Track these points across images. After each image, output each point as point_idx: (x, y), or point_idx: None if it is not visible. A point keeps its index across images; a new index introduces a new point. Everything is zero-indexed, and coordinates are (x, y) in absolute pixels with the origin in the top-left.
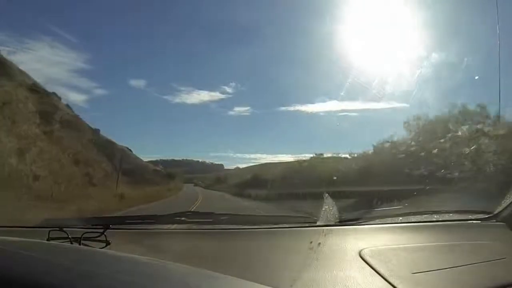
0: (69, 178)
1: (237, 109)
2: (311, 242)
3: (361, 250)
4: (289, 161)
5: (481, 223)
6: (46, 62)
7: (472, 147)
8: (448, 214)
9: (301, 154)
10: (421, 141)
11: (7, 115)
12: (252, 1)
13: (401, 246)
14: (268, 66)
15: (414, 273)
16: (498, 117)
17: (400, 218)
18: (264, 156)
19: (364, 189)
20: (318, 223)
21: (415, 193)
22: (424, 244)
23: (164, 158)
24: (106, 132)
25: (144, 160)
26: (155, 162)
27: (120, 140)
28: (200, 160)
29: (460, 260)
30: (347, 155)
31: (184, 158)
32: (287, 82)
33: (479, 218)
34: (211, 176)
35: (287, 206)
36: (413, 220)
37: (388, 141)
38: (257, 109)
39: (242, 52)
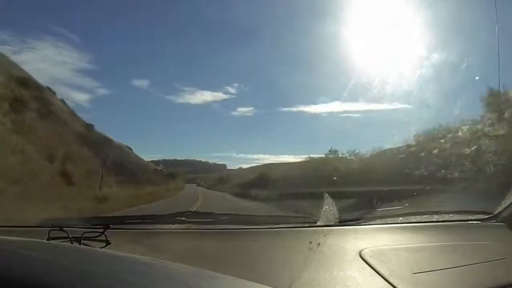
0: (35, 175)
1: (240, 109)
2: (310, 242)
3: (361, 250)
4: (292, 161)
5: (481, 223)
6: (49, 62)
7: (472, 148)
8: (448, 215)
9: (303, 154)
10: (421, 141)
11: None
12: (256, 2)
13: (401, 246)
14: (271, 66)
15: (414, 273)
16: (498, 117)
17: (401, 218)
18: (267, 156)
19: (364, 189)
20: (318, 223)
21: (415, 193)
22: (424, 244)
23: (166, 158)
24: (107, 131)
25: (147, 160)
26: (157, 162)
27: (123, 139)
28: (203, 160)
29: (461, 261)
30: (348, 156)
31: (187, 158)
32: (290, 83)
33: (479, 218)
34: (214, 176)
35: (287, 206)
36: (413, 220)
37: (388, 142)
38: (260, 109)
39: (245, 52)
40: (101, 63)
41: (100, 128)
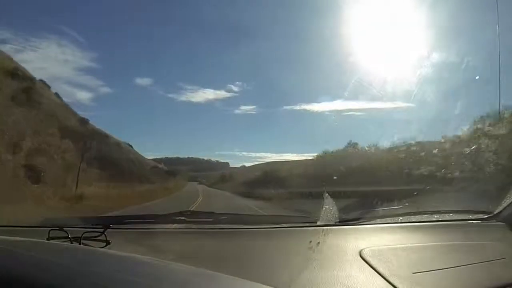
0: None
1: (243, 107)
2: (310, 242)
3: (362, 250)
4: (294, 160)
5: (481, 223)
6: (52, 60)
7: (472, 147)
8: (448, 214)
9: (306, 153)
10: (421, 141)
11: None
12: (258, 1)
13: (401, 246)
14: (274, 65)
15: (414, 273)
16: (498, 117)
17: (401, 218)
18: (269, 155)
19: (364, 189)
20: (318, 223)
21: (415, 193)
22: (424, 244)
23: (169, 156)
24: (109, 129)
25: (149, 158)
26: (159, 160)
27: (125, 138)
28: (206, 159)
29: (460, 260)
30: (368, 148)
31: (190, 157)
32: (293, 81)
33: (479, 218)
34: (217, 175)
35: (287, 205)
36: (413, 220)
37: (388, 142)
38: (263, 108)
39: (248, 51)
40: (104, 61)
41: (102, 126)
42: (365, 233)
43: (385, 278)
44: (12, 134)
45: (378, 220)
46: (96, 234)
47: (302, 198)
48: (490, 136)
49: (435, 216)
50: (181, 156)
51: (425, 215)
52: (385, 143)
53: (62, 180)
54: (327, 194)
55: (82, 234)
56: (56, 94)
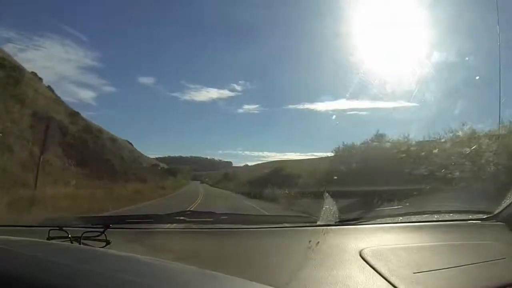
0: None
1: (246, 107)
2: (309, 241)
3: (362, 250)
4: (296, 159)
5: (481, 223)
6: (56, 60)
7: (472, 147)
8: (448, 214)
9: (309, 152)
10: (421, 141)
11: None
12: (262, 1)
13: (401, 246)
14: (277, 64)
15: (414, 273)
16: (498, 117)
17: (401, 218)
18: (272, 154)
19: (365, 189)
20: (318, 223)
21: (415, 193)
22: (424, 244)
23: (172, 155)
24: (112, 128)
25: (152, 157)
26: (162, 159)
27: (128, 137)
28: (209, 158)
29: (461, 260)
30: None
31: (193, 156)
32: (296, 81)
33: (479, 218)
34: (219, 174)
35: (287, 205)
36: (413, 220)
37: (388, 141)
38: (266, 107)
39: (251, 50)
40: (107, 60)
41: (105, 125)
42: (365, 233)
43: (385, 278)
44: None
45: (378, 220)
46: (96, 234)
47: (315, 198)
48: (490, 136)
49: (435, 216)
50: (184, 155)
51: (425, 215)
52: (386, 143)
53: (21, 179)
54: (327, 194)
55: (82, 234)
56: (49, 87)
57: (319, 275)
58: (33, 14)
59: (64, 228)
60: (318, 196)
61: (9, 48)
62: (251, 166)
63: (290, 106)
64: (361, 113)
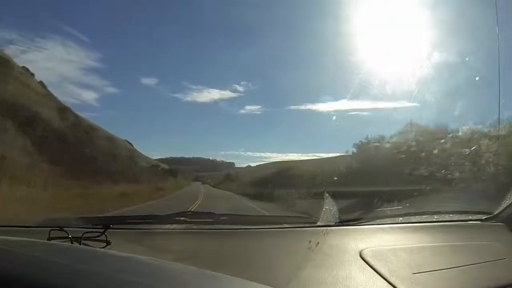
0: None
1: (248, 107)
2: (309, 242)
3: (362, 250)
4: (299, 160)
5: (481, 223)
6: (58, 61)
7: (472, 148)
8: (448, 215)
9: (312, 153)
10: (421, 141)
11: None
12: (264, 1)
13: (401, 246)
14: (279, 65)
15: (414, 273)
16: (498, 117)
17: (401, 218)
18: (275, 155)
19: (365, 189)
20: (318, 223)
21: (415, 193)
22: (424, 244)
23: (174, 156)
24: (114, 129)
25: (154, 158)
26: (164, 160)
27: (130, 137)
28: (211, 158)
29: (460, 261)
30: (349, 154)
31: (195, 156)
32: (298, 81)
33: (479, 218)
34: (222, 174)
35: (289, 206)
36: (413, 221)
37: (388, 142)
38: (268, 107)
39: (253, 51)
40: (109, 62)
41: (107, 126)
42: (365, 233)
43: (385, 279)
44: None
45: (378, 221)
46: (97, 234)
47: (319, 198)
48: (490, 137)
49: (435, 217)
50: (186, 156)
51: (425, 216)
52: (386, 143)
53: None
54: (327, 194)
55: (83, 234)
56: (41, 82)
57: (319, 275)
58: (34, 15)
59: (64, 229)
60: (321, 196)
61: (11, 50)
62: (254, 167)
63: (292, 107)
64: (362, 113)
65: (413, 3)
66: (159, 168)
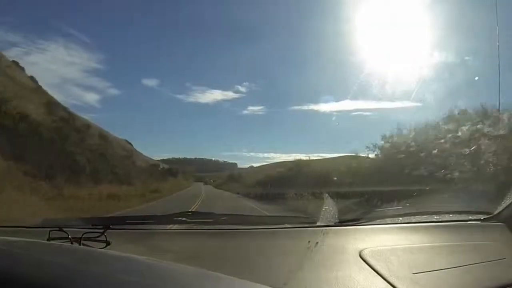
0: None
1: (250, 108)
2: (309, 242)
3: (362, 250)
4: (303, 160)
5: (481, 223)
6: (60, 63)
7: (472, 148)
8: (448, 215)
9: (313, 153)
10: (421, 141)
11: None
12: (266, 3)
13: (401, 246)
14: (281, 66)
15: (414, 273)
16: (498, 117)
17: (400, 218)
18: (277, 155)
19: (364, 189)
20: (318, 224)
21: (415, 193)
22: (424, 244)
23: (176, 157)
24: (115, 130)
25: (157, 159)
26: (166, 160)
27: (131, 138)
28: (214, 159)
29: (460, 261)
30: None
31: (197, 157)
32: (301, 82)
33: (479, 218)
34: (224, 175)
35: (286, 206)
36: (413, 221)
37: (388, 142)
38: (270, 108)
39: (255, 52)
40: (111, 63)
41: (110, 127)
42: (365, 233)
43: (385, 279)
44: None
45: (378, 221)
46: (96, 234)
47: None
48: (490, 137)
49: (435, 217)
50: (189, 156)
51: (425, 216)
52: (386, 144)
53: None
54: (326, 194)
55: (82, 235)
56: (31, 77)
57: (319, 275)
58: (37, 18)
59: (64, 229)
60: (324, 196)
61: (14, 52)
62: (256, 167)
63: (295, 107)
64: (364, 113)
65: (414, 3)
66: (159, 168)
